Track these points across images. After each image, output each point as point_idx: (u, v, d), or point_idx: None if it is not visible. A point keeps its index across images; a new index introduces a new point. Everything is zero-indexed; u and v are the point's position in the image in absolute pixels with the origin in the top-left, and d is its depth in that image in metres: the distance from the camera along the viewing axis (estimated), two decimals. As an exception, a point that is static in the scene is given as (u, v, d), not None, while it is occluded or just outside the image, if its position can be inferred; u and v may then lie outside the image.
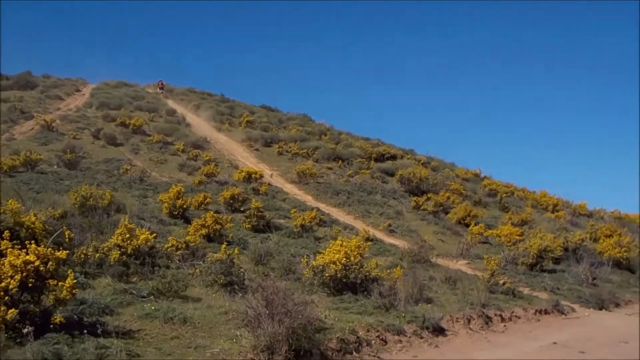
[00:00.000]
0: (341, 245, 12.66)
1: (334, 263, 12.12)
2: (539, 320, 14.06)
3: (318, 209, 23.15)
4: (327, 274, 12.16)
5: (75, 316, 7.78)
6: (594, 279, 19.57)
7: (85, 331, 7.30)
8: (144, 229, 12.26)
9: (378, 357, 9.26)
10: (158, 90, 51.65)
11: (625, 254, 23.69)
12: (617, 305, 17.60)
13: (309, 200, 26.78)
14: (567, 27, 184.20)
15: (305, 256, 13.74)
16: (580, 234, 26.48)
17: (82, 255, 10.47)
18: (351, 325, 9.75)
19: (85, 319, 7.84)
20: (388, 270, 13.52)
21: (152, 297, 9.67)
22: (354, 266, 12.34)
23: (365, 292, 12.21)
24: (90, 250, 10.75)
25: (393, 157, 39.60)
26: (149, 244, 11.53)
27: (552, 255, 21.00)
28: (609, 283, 20.00)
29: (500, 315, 13.29)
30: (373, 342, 9.71)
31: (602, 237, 26.58)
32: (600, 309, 16.27)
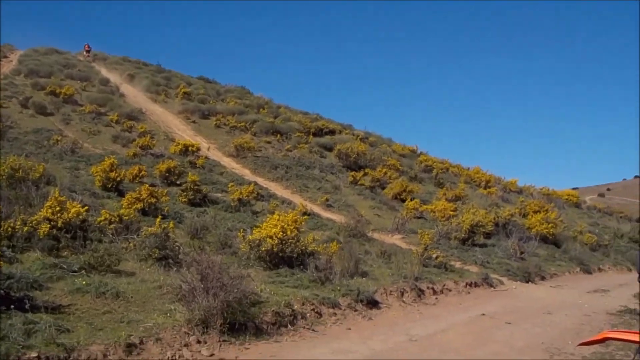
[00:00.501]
0: (278, 220, 12.66)
1: (271, 237, 12.13)
2: (469, 292, 14.47)
3: (256, 183, 23.03)
4: (263, 248, 12.16)
5: (1, 291, 7.54)
6: (522, 253, 20.26)
7: (12, 306, 7.11)
8: (75, 202, 11.94)
9: (312, 330, 9.35)
10: (84, 53, 50.35)
11: (551, 229, 24.59)
12: (543, 278, 18.29)
13: (247, 174, 26.61)
14: None
15: (242, 230, 13.68)
16: (510, 210, 27.30)
17: (9, 229, 10.13)
18: (287, 299, 9.81)
19: (12, 294, 7.60)
20: (325, 245, 13.64)
21: (83, 271, 9.45)
22: (290, 240, 12.38)
23: (301, 266, 12.28)
24: (19, 223, 10.40)
25: (331, 132, 39.65)
26: (80, 217, 11.24)
27: (484, 230, 21.60)
28: (536, 257, 20.75)
29: (433, 288, 13.61)
30: (308, 315, 9.79)
31: (531, 213, 27.49)
32: (527, 282, 16.87)
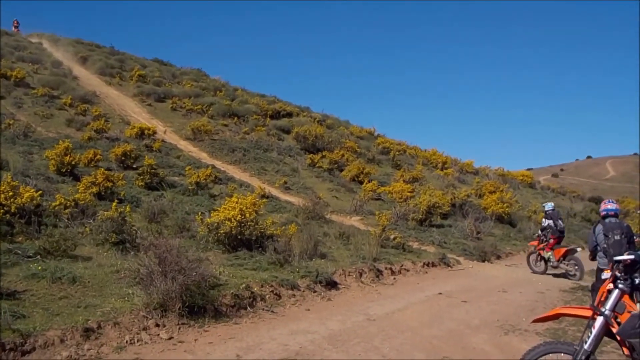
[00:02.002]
0: (236, 202, 12.66)
1: (229, 220, 12.13)
2: (426, 272, 14.70)
3: (213, 167, 22.92)
4: (222, 231, 12.15)
5: (-46, 278, 7.41)
6: (478, 232, 20.65)
7: (-35, 293, 6.99)
8: (29, 187, 11.74)
9: (272, 312, 9.41)
10: (13, 29, 49.68)
11: (507, 209, 25.12)
12: (499, 257, 18.69)
13: (204, 157, 26.44)
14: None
15: (200, 214, 13.64)
16: (467, 191, 27.81)
17: (-39, 215, 9.93)
18: (246, 281, 9.85)
19: (-35, 281, 7.48)
20: (283, 227, 13.69)
21: (38, 257, 9.33)
22: (249, 223, 12.39)
23: (260, 249, 12.32)
24: (-30, 209, 10.20)
25: (289, 115, 39.58)
26: (34, 202, 11.07)
27: (441, 210, 21.95)
28: (492, 237, 21.18)
29: (391, 269, 13.79)
30: (267, 297, 9.85)
31: (487, 194, 28.02)
32: (483, 261, 17.22)
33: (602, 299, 5.17)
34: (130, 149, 20.88)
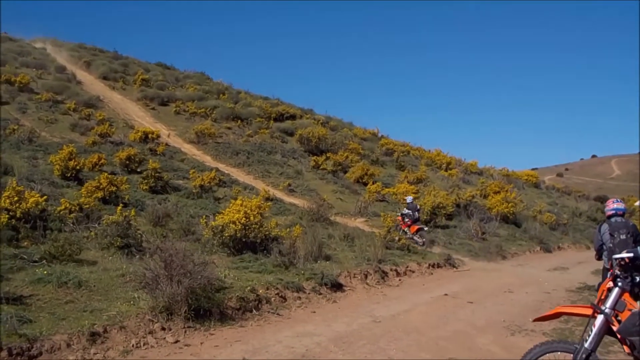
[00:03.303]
0: (241, 205, 12.66)
1: (234, 223, 12.13)
2: (431, 273, 14.69)
3: (217, 170, 22.95)
4: (226, 234, 12.15)
5: (-40, 283, 7.42)
6: (483, 233, 20.63)
7: (-28, 298, 7.00)
8: (34, 192, 11.77)
9: (277, 314, 9.40)
10: None
11: (511, 209, 25.05)
12: (504, 257, 18.66)
13: (208, 160, 26.48)
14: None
15: (204, 217, 13.65)
16: (471, 191, 27.76)
17: (-34, 220, 9.95)
18: (251, 284, 9.84)
19: (-29, 286, 7.49)
20: (288, 229, 13.68)
21: (44, 261, 9.35)
22: (253, 226, 12.39)
23: (265, 251, 12.31)
24: (-24, 214, 10.22)
25: (292, 117, 39.61)
26: (39, 207, 11.09)
27: (445, 211, 21.93)
28: (497, 237, 21.15)
29: (396, 270, 13.78)
30: (272, 299, 9.84)
31: (491, 194, 27.93)
32: (488, 262, 17.21)
33: (603, 297, 5.19)
34: (135, 153, 20.91)
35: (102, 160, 19.19)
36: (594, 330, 5.05)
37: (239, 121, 35.25)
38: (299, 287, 10.59)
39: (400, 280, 13.43)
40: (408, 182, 27.78)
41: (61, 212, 11.94)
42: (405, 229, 19.51)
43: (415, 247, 16.76)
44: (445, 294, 11.97)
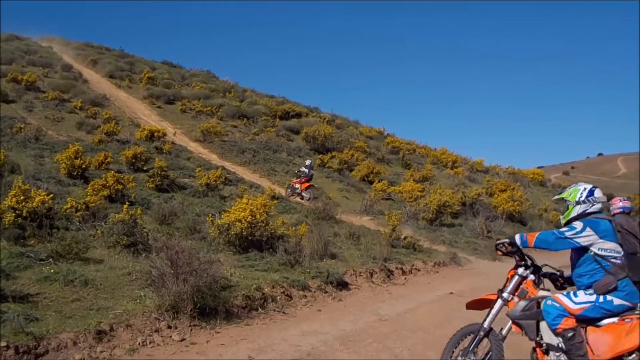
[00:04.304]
0: (247, 204, 12.66)
1: (240, 221, 12.14)
2: (437, 272, 14.68)
3: (223, 168, 22.98)
4: (232, 233, 12.16)
5: (-33, 282, 7.45)
6: (488, 231, 20.59)
7: (-21, 297, 7.03)
8: (40, 190, 11.79)
9: (283, 312, 9.41)
10: None
11: (517, 207, 25.00)
12: (510, 256, 18.58)
13: (214, 158, 26.52)
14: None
15: (210, 215, 13.66)
16: (477, 189, 27.71)
17: (-27, 219, 9.98)
18: (257, 282, 9.85)
19: (-22, 285, 7.51)
20: (294, 228, 13.68)
21: (51, 260, 9.36)
22: (259, 224, 12.40)
23: (271, 250, 12.32)
24: (-18, 213, 10.25)
25: (298, 115, 39.64)
26: (46, 205, 11.11)
27: (451, 209, 21.89)
28: (503, 235, 21.03)
29: (402, 269, 13.78)
30: (278, 297, 9.85)
31: (497, 192, 27.89)
32: (494, 260, 17.16)
33: (507, 284, 5.76)
34: (141, 151, 20.95)
35: (109, 159, 19.21)
36: (492, 311, 5.70)
37: (245, 119, 35.31)
38: (304, 285, 10.60)
39: (405, 278, 13.43)
40: (414, 180, 27.75)
41: (67, 211, 11.97)
42: (297, 186, 22.67)
43: (421, 246, 16.73)
44: (451, 293, 11.96)
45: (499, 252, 5.82)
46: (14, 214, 10.40)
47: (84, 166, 17.13)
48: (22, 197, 10.72)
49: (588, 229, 5.25)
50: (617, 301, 5.07)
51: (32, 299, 7.68)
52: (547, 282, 5.82)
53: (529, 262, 5.79)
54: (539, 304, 5.47)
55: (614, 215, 9.19)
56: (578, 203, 5.54)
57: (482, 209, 23.50)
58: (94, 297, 8.19)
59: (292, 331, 8.36)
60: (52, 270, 8.63)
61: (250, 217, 12.24)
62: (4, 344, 6.18)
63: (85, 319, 7.27)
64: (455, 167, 37.49)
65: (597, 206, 5.47)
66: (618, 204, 9.20)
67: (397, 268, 13.67)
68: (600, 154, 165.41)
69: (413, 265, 14.36)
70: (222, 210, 14.73)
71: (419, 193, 24.04)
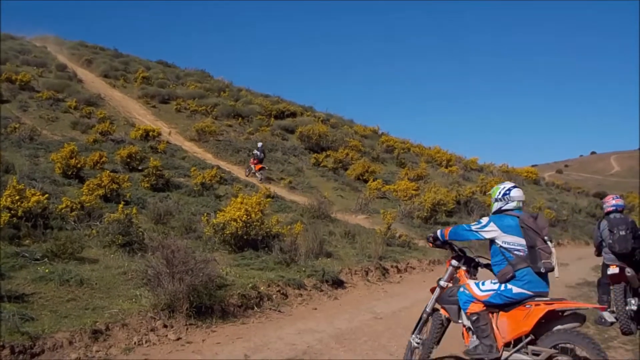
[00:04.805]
0: (242, 203, 12.68)
1: (235, 220, 12.15)
2: (432, 270, 14.71)
3: (218, 167, 22.99)
4: (228, 232, 12.17)
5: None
6: (483, 230, 20.58)
7: (-26, 297, 7.02)
8: (35, 190, 11.79)
9: (279, 311, 9.44)
10: None
11: (512, 205, 24.96)
12: (505, 254, 18.61)
13: (209, 158, 26.51)
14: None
15: (205, 214, 13.67)
16: (471, 188, 27.74)
17: (-32, 219, 9.97)
18: (252, 281, 9.87)
19: (-27, 284, 7.51)
20: (289, 227, 13.70)
21: (46, 259, 9.37)
22: (255, 223, 12.42)
23: (266, 249, 12.34)
24: (-23, 213, 10.24)
25: (293, 115, 39.64)
26: (41, 205, 11.11)
27: (445, 208, 21.92)
28: (498, 233, 21.07)
29: (397, 267, 13.82)
30: (274, 296, 9.87)
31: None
32: (489, 258, 17.17)
33: (445, 273, 6.44)
34: (136, 150, 20.92)
35: (104, 159, 19.18)
36: (433, 297, 6.44)
37: (240, 119, 35.28)
38: (300, 284, 10.62)
39: (401, 276, 13.47)
40: (408, 179, 27.78)
41: (62, 210, 11.97)
42: (252, 166, 24.83)
43: (416, 244, 16.78)
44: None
45: (430, 245, 6.53)
46: (9, 214, 10.40)
47: (79, 166, 17.11)
48: (17, 197, 10.73)
49: (492, 224, 5.85)
50: (515, 289, 5.62)
51: (27, 298, 7.68)
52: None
53: (461, 254, 6.50)
54: None
55: (607, 213, 9.25)
56: (496, 200, 6.09)
57: (476, 207, 23.54)
58: (90, 296, 8.20)
59: (287, 330, 8.38)
60: (47, 270, 8.63)
61: (245, 216, 12.26)
62: None
63: (81, 319, 7.28)
64: (450, 165, 37.56)
65: (512, 204, 5.95)
66: (611, 202, 9.25)
67: (392, 266, 13.70)
68: (593, 152, 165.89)
69: (408, 264, 14.40)
70: (217, 209, 14.73)
71: (413, 192, 24.07)
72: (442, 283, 6.35)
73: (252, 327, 8.45)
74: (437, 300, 6.38)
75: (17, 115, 25.87)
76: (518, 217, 5.79)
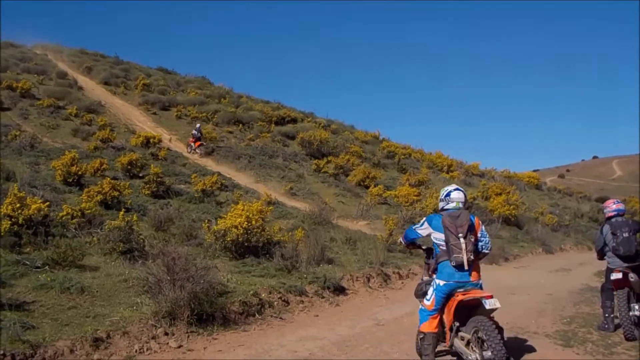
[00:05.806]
0: (243, 209, 12.65)
1: (236, 227, 12.12)
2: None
3: (219, 174, 22.95)
4: (229, 239, 12.15)
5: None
6: (485, 235, 20.54)
7: (-25, 305, 7.00)
8: (36, 198, 11.78)
9: (280, 318, 9.40)
10: None
11: (513, 211, 25.01)
12: (506, 259, 18.63)
13: (210, 164, 26.50)
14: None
15: (206, 221, 13.65)
16: (473, 193, 27.70)
17: (-31, 227, 9.96)
18: (253, 288, 9.84)
19: (-26, 293, 7.49)
20: (290, 233, 13.67)
21: (47, 267, 9.36)
22: (255, 230, 12.39)
23: (267, 255, 12.30)
24: (-22, 221, 10.23)
25: (293, 120, 39.63)
26: (41, 213, 11.10)
27: (447, 213, 21.81)
28: (499, 239, 21.09)
29: (398, 273, 13.76)
30: (275, 303, 9.84)
31: (493, 196, 27.89)
32: (491, 264, 17.15)
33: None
34: (136, 157, 20.93)
35: (104, 166, 19.18)
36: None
37: (240, 125, 35.30)
38: (301, 290, 10.59)
39: (402, 283, 13.42)
40: (410, 184, 27.71)
41: (63, 218, 11.96)
42: (192, 144, 28.34)
43: (417, 250, 16.70)
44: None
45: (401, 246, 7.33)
46: (9, 222, 10.40)
47: (79, 173, 17.12)
48: (17, 205, 10.72)
49: (425, 222, 6.80)
50: (441, 282, 6.52)
51: (28, 306, 7.66)
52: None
53: (429, 252, 7.09)
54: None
55: (608, 217, 9.21)
56: (440, 200, 6.93)
57: (478, 213, 23.50)
58: (91, 304, 8.18)
59: (289, 337, 8.35)
60: (48, 278, 8.62)
61: (246, 223, 12.23)
62: (0, 352, 6.17)
63: (82, 327, 7.26)
64: (451, 171, 37.51)
65: (452, 204, 6.76)
66: (612, 206, 9.22)
67: (394, 272, 13.66)
68: (595, 157, 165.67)
69: (410, 270, 14.35)
70: (218, 216, 14.71)
71: (415, 197, 24.02)
72: (423, 279, 7.32)
73: (254, 334, 8.42)
74: (414, 295, 7.31)
75: (17, 122, 25.88)
76: (442, 215, 6.62)
